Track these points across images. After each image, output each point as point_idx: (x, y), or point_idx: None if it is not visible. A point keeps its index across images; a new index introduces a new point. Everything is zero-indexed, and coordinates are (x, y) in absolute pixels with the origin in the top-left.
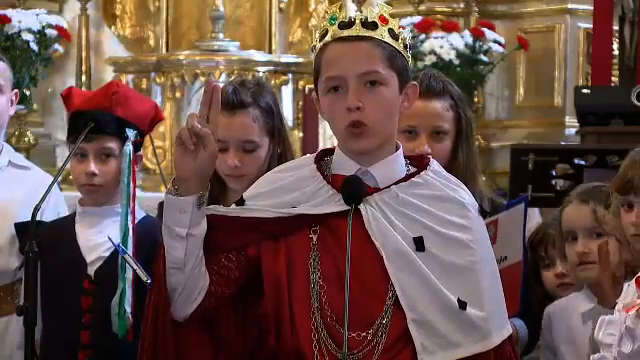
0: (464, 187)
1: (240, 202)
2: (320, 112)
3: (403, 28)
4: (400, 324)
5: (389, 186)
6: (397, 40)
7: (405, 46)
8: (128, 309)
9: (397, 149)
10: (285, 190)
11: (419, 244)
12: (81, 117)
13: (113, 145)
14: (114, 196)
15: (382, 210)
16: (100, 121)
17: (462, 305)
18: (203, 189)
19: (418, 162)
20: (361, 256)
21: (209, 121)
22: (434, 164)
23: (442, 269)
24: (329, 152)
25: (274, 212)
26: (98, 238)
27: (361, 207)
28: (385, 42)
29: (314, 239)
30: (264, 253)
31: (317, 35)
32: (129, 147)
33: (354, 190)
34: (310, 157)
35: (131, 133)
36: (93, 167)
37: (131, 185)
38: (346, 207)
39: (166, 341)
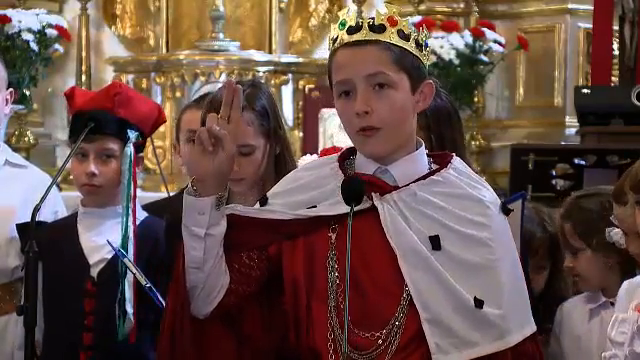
0: (486, 185)
1: (263, 200)
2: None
3: (416, 27)
4: (414, 324)
5: (408, 184)
6: (408, 40)
7: (418, 45)
8: (130, 311)
9: (418, 147)
10: (304, 188)
11: (435, 243)
12: (82, 117)
13: (114, 146)
14: (116, 197)
15: (399, 208)
16: (101, 121)
17: (478, 303)
18: (222, 190)
19: (440, 160)
20: (376, 255)
21: (230, 121)
22: (456, 162)
23: (458, 267)
24: (355, 151)
25: (291, 214)
26: (100, 240)
27: (378, 205)
28: (393, 44)
29: (332, 238)
30: (284, 252)
31: (330, 39)
32: (130, 148)
33: (352, 190)
34: (335, 155)
35: (132, 134)
36: (93, 167)
37: (132, 186)
38: (364, 206)
39: (184, 339)
